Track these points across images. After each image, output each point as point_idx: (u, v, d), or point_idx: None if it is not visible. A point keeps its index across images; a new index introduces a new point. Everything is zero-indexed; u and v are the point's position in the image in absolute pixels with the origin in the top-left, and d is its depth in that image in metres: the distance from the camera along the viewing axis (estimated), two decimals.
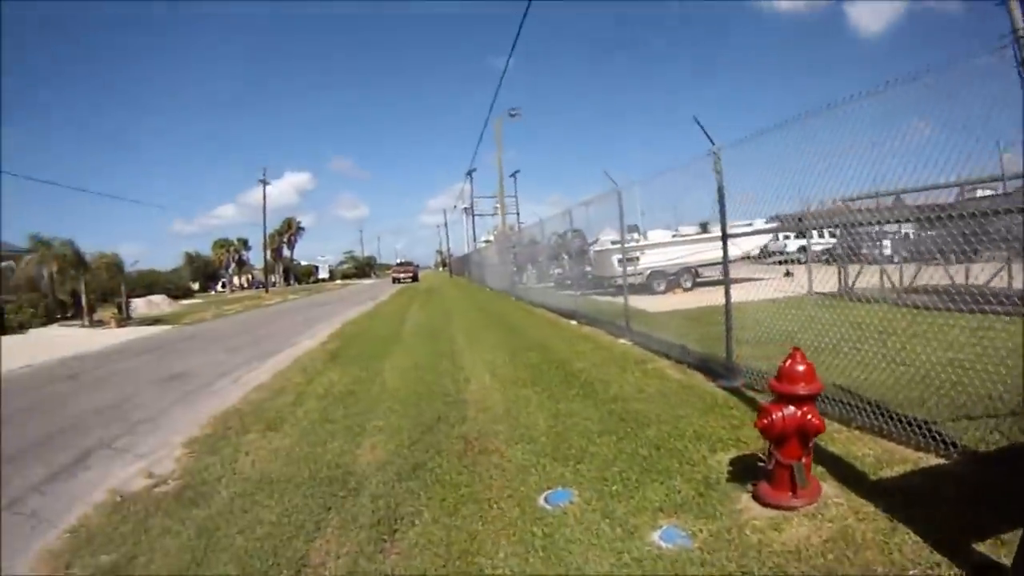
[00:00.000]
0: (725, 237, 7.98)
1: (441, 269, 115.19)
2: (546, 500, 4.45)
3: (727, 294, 7.86)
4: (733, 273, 14.08)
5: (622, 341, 11.12)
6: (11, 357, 17.66)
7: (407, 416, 7.01)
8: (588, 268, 19.02)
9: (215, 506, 4.84)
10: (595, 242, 18.35)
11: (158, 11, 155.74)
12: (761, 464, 4.23)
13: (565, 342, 11.58)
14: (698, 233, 18.76)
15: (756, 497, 4.15)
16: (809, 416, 3.95)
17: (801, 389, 3.98)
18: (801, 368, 4.05)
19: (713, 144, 7.72)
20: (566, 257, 21.10)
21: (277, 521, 4.44)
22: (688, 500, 4.20)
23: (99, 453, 6.94)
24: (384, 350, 12.40)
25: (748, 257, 13.34)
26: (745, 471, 4.50)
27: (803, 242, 21.14)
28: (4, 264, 33.08)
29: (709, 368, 8.15)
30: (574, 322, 14.75)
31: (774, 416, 3.95)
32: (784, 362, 4.12)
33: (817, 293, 8.47)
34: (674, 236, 19.70)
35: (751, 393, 6.85)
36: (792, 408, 3.97)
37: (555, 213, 19.95)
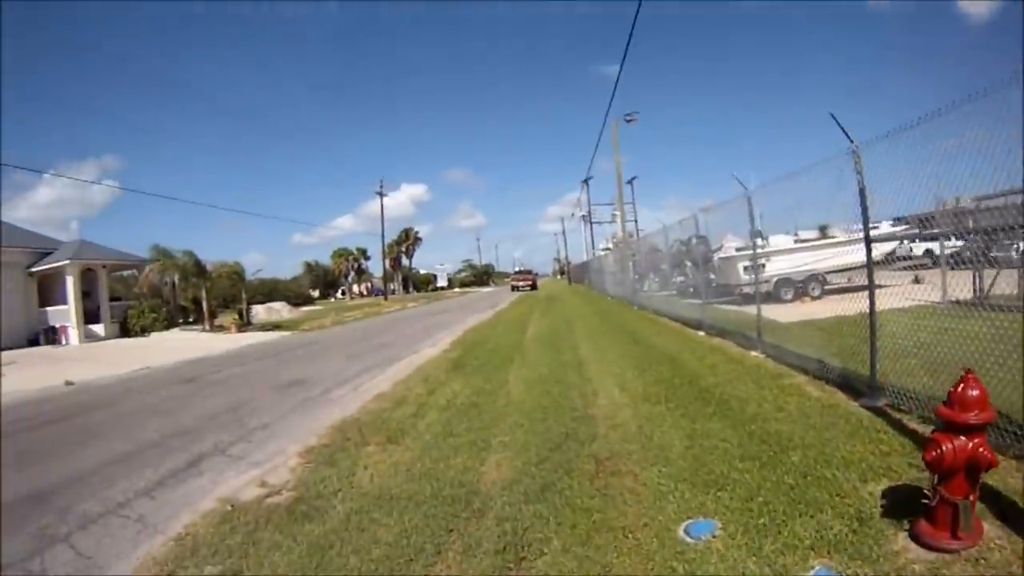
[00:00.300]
0: (869, 241, 7.49)
1: (559, 277, 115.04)
2: (687, 531, 4.17)
3: (871, 304, 7.34)
4: (857, 280, 13.37)
5: (754, 354, 10.61)
6: (130, 359, 18.84)
7: (534, 432, 6.84)
8: (712, 276, 18.41)
9: (330, 522, 4.81)
10: (719, 248, 17.73)
11: (277, 27, 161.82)
12: (925, 501, 3.78)
13: (694, 354, 11.13)
14: (819, 237, 17.91)
15: (914, 537, 3.76)
16: (980, 449, 3.55)
17: (973, 418, 3.58)
18: (974, 393, 3.63)
19: (852, 142, 7.20)
20: (689, 264, 20.54)
21: (395, 542, 4.33)
22: (841, 538, 3.83)
23: (212, 459, 7.18)
24: (507, 359, 12.36)
25: (877, 263, 12.61)
26: (899, 505, 4.12)
27: (929, 245, 19.95)
28: (127, 272, 35.12)
29: (850, 385, 7.62)
30: (701, 332, 14.27)
31: (944, 448, 3.57)
32: (956, 387, 3.70)
33: (951, 301, 8.11)
34: (796, 241, 18.79)
35: (896, 414, 6.34)
36: (963, 439, 3.57)
37: (678, 219, 19.45)
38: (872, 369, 7.14)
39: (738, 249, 19.40)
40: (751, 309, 14.21)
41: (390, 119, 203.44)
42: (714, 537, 4.03)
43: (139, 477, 6.56)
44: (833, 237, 14.91)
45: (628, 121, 32.03)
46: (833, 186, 8.10)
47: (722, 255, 18.66)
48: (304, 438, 7.60)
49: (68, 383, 14.61)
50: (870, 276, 7.45)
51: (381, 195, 63.75)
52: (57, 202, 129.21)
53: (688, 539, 4.07)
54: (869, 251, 7.49)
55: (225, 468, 6.76)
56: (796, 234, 18.50)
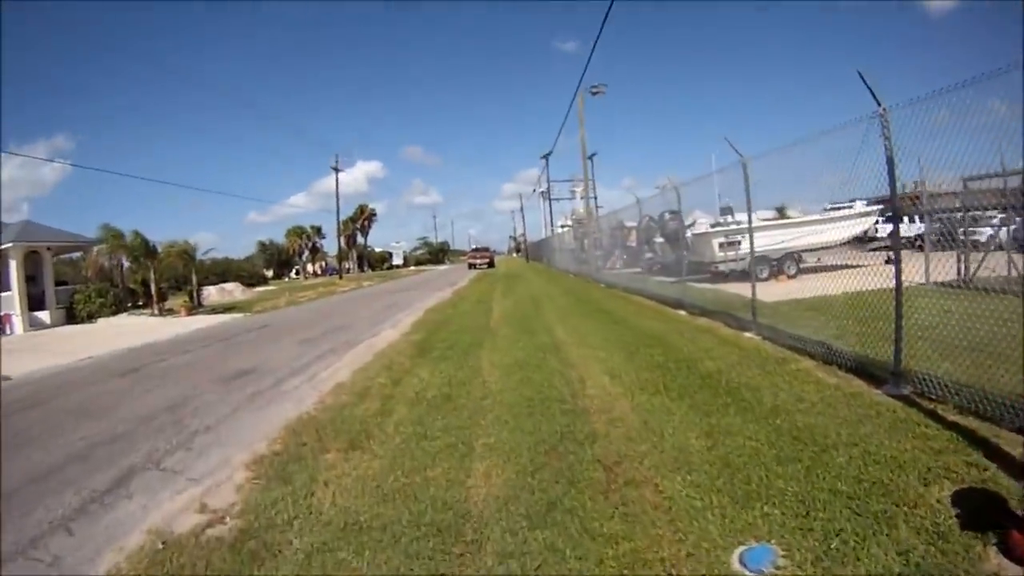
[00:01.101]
0: (896, 214, 6.69)
1: (516, 255, 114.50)
2: (743, 562, 3.28)
3: (898, 284, 6.53)
4: (830, 260, 12.89)
5: (748, 335, 9.77)
6: (73, 348, 17.59)
7: (522, 430, 5.81)
8: (684, 253, 17.66)
9: (284, 565, 3.72)
10: (691, 225, 16.95)
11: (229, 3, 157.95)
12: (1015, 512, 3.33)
13: (683, 336, 10.21)
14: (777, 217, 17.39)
15: (1007, 552, 3.15)
16: None
17: None
18: None
19: (880, 105, 6.42)
20: (659, 241, 19.83)
21: None
22: (927, 560, 3.12)
23: (144, 475, 5.93)
24: (477, 342, 11.28)
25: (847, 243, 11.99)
26: (975, 514, 3.51)
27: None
28: (75, 255, 33.48)
29: (866, 371, 6.90)
30: (682, 312, 13.39)
31: None
32: None
33: (935, 283, 7.94)
34: (763, 220, 18.10)
35: (928, 404, 5.68)
36: None
37: (653, 192, 18.69)
38: (897, 354, 6.41)
39: (713, 225, 18.73)
40: (734, 287, 13.55)
41: (345, 94, 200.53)
42: (778, 569, 3.20)
43: (57, 502, 5.30)
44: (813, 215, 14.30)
45: (594, 94, 31.07)
46: (848, 155, 7.22)
47: (696, 231, 17.91)
48: (253, 443, 6.40)
49: (4, 378, 13.28)
50: (896, 252, 6.66)
51: (336, 170, 62.29)
52: (6, 184, 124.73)
53: (747, 573, 3.20)
54: (897, 225, 6.66)
55: (159, 487, 5.55)
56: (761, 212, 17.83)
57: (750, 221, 10.70)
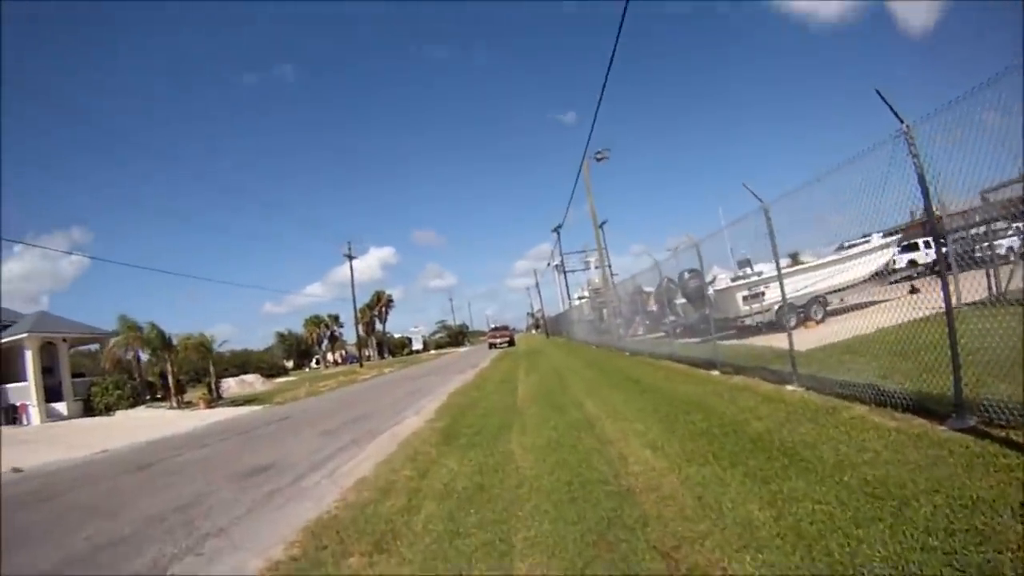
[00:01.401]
0: (938, 238, 6.36)
1: (535, 331, 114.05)
2: None
3: (949, 309, 6.16)
4: (853, 298, 12.46)
5: (790, 388, 9.22)
6: (89, 441, 17.44)
7: (564, 519, 5.22)
8: (707, 311, 17.19)
9: None
10: (712, 281, 16.54)
11: (237, 90, 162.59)
12: None
13: (722, 398, 9.66)
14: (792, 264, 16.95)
15: None
16: None
17: None
18: None
19: (903, 122, 6.23)
20: (681, 302, 19.40)
21: None
22: None
23: None
24: (504, 425, 10.68)
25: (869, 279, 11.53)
26: None
27: (911, 255, 19.20)
28: (93, 347, 33.57)
29: (924, 407, 6.48)
30: (715, 372, 12.85)
31: None
32: None
33: (967, 304, 7.74)
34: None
35: (998, 432, 5.34)
36: None
37: (670, 251, 18.38)
38: (957, 384, 6.01)
39: (733, 279, 18.32)
40: (761, 340, 13.06)
41: (352, 182, 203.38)
42: None
43: None
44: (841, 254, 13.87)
45: (599, 160, 31.10)
46: (875, 182, 6.92)
47: (717, 287, 17.48)
48: (269, 547, 5.84)
49: (15, 470, 13.17)
50: (943, 275, 6.30)
51: (350, 257, 62.70)
52: (26, 276, 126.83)
53: None
54: (939, 249, 6.29)
55: None
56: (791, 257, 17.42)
57: (778, 268, 10.25)
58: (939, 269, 6.39)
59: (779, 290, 16.92)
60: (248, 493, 8.61)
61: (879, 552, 3.63)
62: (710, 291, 16.18)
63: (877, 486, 4.65)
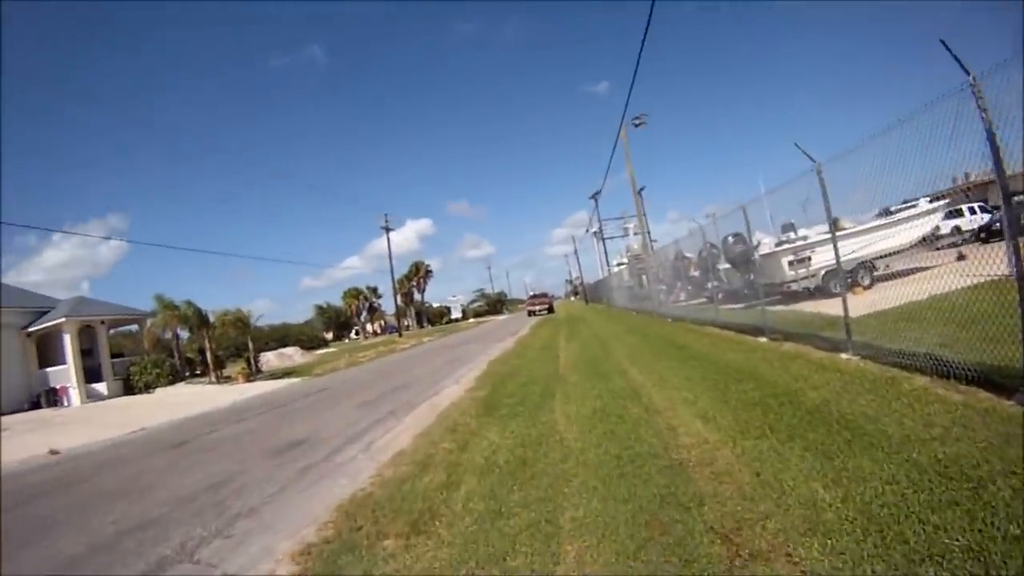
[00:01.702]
0: (1009, 197, 5.89)
1: (574, 298, 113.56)
2: None
3: (1020, 274, 5.74)
4: (900, 265, 12.04)
5: (845, 356, 8.84)
6: (127, 420, 17.60)
7: (614, 497, 4.95)
8: (751, 276, 16.74)
9: None
10: (756, 246, 16.06)
11: (269, 71, 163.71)
12: None
13: (772, 366, 9.31)
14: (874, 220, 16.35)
15: None
16: None
17: None
18: None
19: (968, 74, 5.82)
20: (724, 268, 18.96)
21: None
22: None
23: (174, 570, 5.28)
24: (547, 394, 10.43)
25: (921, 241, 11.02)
26: None
27: (956, 221, 18.51)
28: (132, 328, 34.13)
29: (989, 380, 6.09)
30: (763, 339, 12.46)
31: None
32: None
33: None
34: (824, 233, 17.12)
35: None
36: None
37: (711, 217, 17.95)
38: None
39: (778, 244, 17.83)
40: (809, 306, 12.67)
41: (390, 155, 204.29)
42: None
43: None
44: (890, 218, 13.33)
45: (637, 125, 30.43)
46: (938, 140, 6.50)
47: (762, 252, 17.00)
48: (301, 528, 5.71)
49: (52, 452, 13.29)
50: (1014, 239, 5.81)
51: (387, 229, 62.74)
52: (66, 263, 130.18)
53: None
54: (1010, 205, 5.83)
55: None
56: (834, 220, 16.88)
57: (832, 230, 9.78)
58: (1007, 233, 5.96)
59: (826, 255, 16.56)
60: (282, 470, 8.50)
61: (958, 540, 3.37)
62: (755, 256, 15.73)
63: (949, 465, 4.35)
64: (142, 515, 7.12)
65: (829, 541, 3.64)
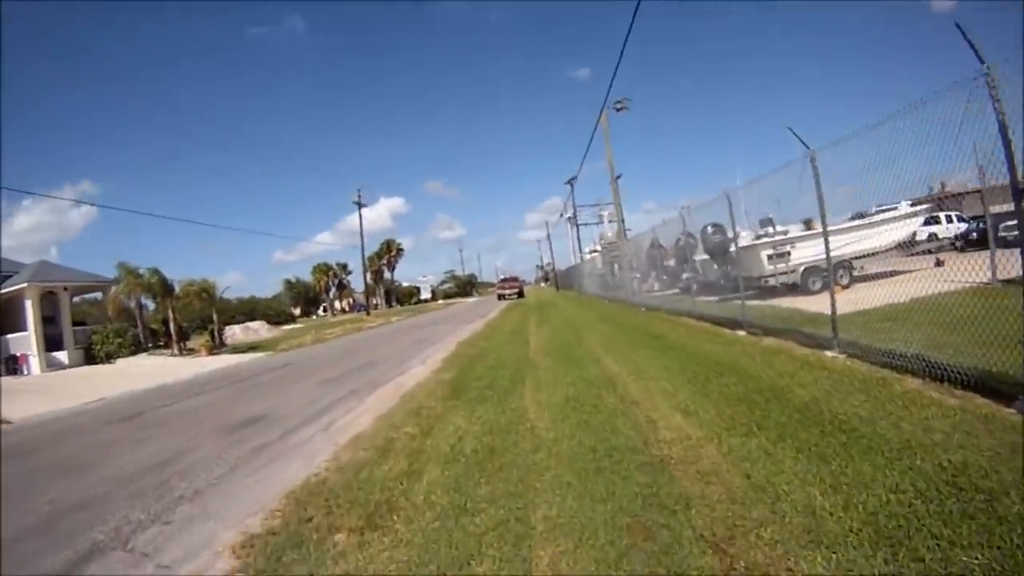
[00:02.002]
0: (1020, 196, 5.55)
1: (544, 284, 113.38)
2: None
3: None
4: (876, 268, 11.80)
5: (831, 354, 8.49)
6: (85, 390, 17.16)
7: (592, 496, 4.49)
8: (728, 268, 16.45)
9: None
10: (735, 238, 15.77)
11: (248, 41, 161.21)
12: None
13: (754, 360, 8.92)
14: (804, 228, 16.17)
15: None
16: None
17: None
18: None
19: (983, 63, 5.47)
20: (701, 259, 18.65)
21: None
22: None
23: (106, 560, 4.74)
24: (518, 378, 9.99)
25: (900, 244, 10.81)
26: None
27: (932, 228, 18.40)
28: (97, 296, 33.26)
29: (985, 385, 5.81)
30: (741, 332, 12.13)
31: None
32: None
33: (1001, 281, 7.57)
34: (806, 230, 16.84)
35: None
36: None
37: (691, 205, 17.57)
38: None
39: (758, 237, 17.55)
40: (787, 302, 12.44)
41: (366, 131, 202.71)
42: None
43: None
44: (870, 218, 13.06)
45: (619, 110, 29.96)
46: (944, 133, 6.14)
47: (742, 244, 16.69)
48: (246, 516, 5.20)
49: (4, 421, 12.73)
50: None
51: (359, 204, 61.66)
52: (35, 228, 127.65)
53: None
54: (1020, 204, 5.50)
55: None
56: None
57: (824, 224, 9.37)
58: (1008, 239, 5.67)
59: (806, 251, 16.36)
60: (234, 449, 7.98)
61: (977, 559, 3.01)
62: (733, 248, 15.42)
63: (956, 474, 4.00)
64: (82, 493, 6.60)
65: (834, 555, 3.25)
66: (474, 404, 8.48)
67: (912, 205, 11.45)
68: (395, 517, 4.65)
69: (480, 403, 8.51)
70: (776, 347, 9.82)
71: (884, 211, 12.16)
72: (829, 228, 13.27)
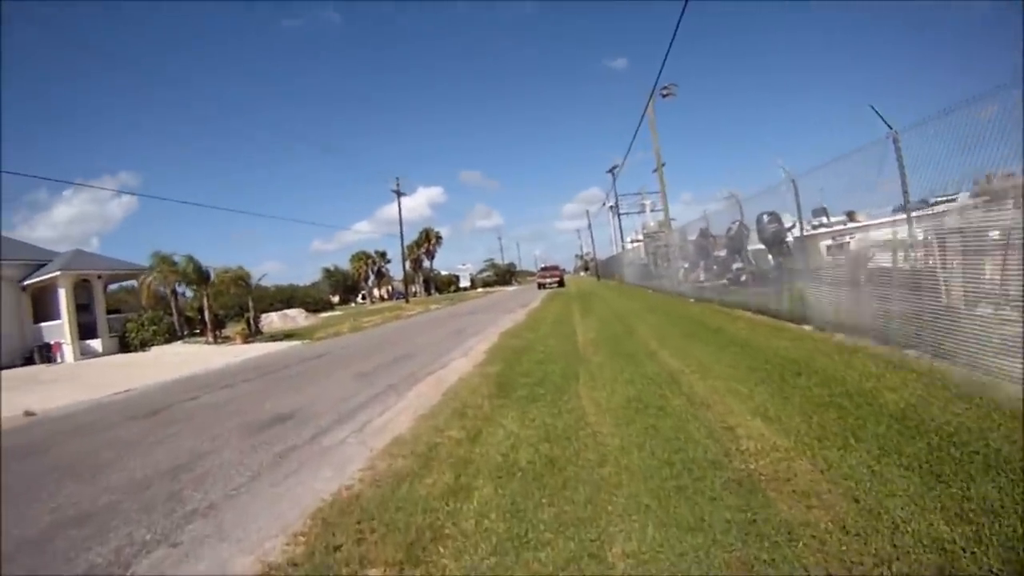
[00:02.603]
0: None
1: (584, 273, 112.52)
2: None
3: None
4: None
5: (913, 354, 7.80)
6: (115, 379, 16.85)
7: (677, 523, 3.86)
8: (782, 258, 15.71)
9: None
10: (791, 228, 15.05)
11: (285, 32, 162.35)
12: None
13: (830, 359, 8.24)
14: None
15: None
16: None
17: None
18: None
19: None
20: (755, 248, 17.91)
21: None
22: None
23: None
24: (569, 375, 9.34)
25: None
26: None
27: None
28: (129, 284, 33.71)
29: None
30: (807, 327, 11.46)
31: None
32: None
33: None
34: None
35: None
36: None
37: (735, 198, 16.89)
38: None
39: (815, 226, 16.78)
40: None
41: (404, 121, 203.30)
42: None
43: None
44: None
45: (665, 96, 29.02)
46: None
47: (797, 234, 15.98)
48: (264, 539, 4.55)
49: (28, 413, 12.42)
50: None
51: (398, 193, 61.29)
52: (75, 219, 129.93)
53: None
54: None
55: None
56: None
57: (907, 207, 8.64)
58: None
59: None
60: (258, 452, 7.30)
61: None
62: (790, 237, 14.73)
63: None
64: (87, 502, 6.01)
65: None
66: (525, 403, 7.87)
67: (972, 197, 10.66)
68: (441, 549, 3.98)
69: (531, 402, 7.91)
70: (852, 345, 9.08)
71: (944, 201, 11.37)
72: (882, 219, 12.49)
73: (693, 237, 23.57)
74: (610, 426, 6.36)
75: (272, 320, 39.56)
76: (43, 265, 28.34)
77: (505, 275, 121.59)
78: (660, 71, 29.62)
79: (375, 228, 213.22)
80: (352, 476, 5.81)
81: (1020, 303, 5.90)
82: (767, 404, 6.39)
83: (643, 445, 5.56)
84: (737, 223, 17.88)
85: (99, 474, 7.06)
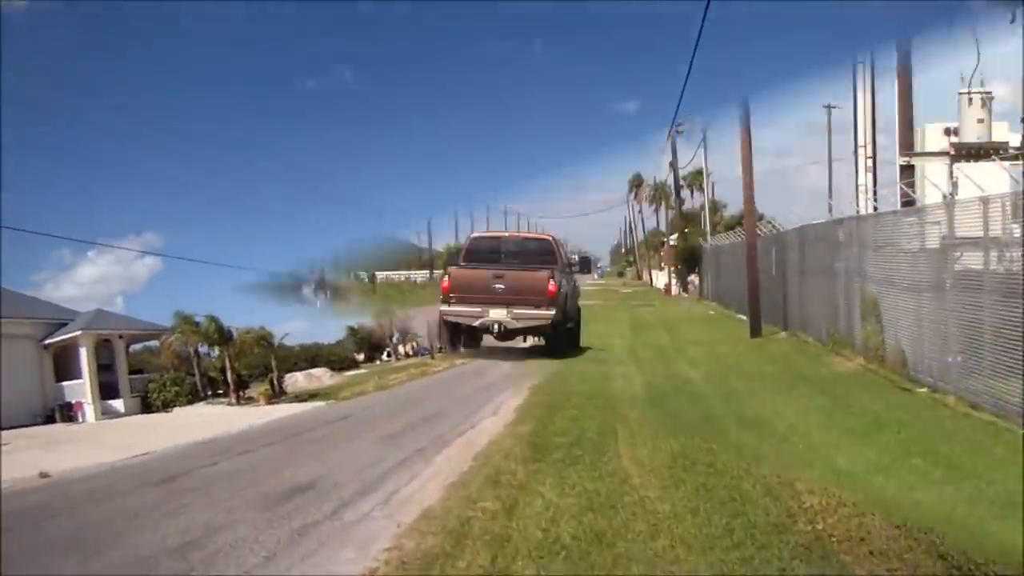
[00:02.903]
0: None
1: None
2: None
3: None
4: None
5: None
6: (134, 441, 16.76)
7: None
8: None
9: None
10: None
11: (299, 90, 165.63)
12: None
13: None
14: None
15: None
16: None
17: None
18: None
19: None
20: None
21: None
22: None
23: None
24: (607, 427, 8.93)
25: None
26: None
27: None
28: (152, 344, 34.04)
29: None
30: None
31: None
32: None
33: None
34: None
35: None
36: None
37: None
38: None
39: None
40: None
41: (419, 175, 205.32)
42: None
43: None
44: None
45: (679, 132, 29.06)
46: None
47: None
48: None
49: (43, 475, 11.96)
50: None
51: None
52: (101, 278, 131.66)
53: None
54: None
55: None
56: None
57: None
58: None
59: None
60: (274, 528, 6.28)
61: None
62: None
63: None
64: None
65: None
66: (562, 467, 7.29)
67: None
68: None
69: (569, 465, 7.33)
70: None
71: None
72: None
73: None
74: (662, 491, 5.84)
75: (297, 379, 39.17)
76: (65, 324, 28.59)
77: None
78: (676, 111, 29.39)
79: None
80: (377, 557, 5.00)
81: None
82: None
83: (709, 520, 4.93)
84: None
85: (105, 549, 6.49)
